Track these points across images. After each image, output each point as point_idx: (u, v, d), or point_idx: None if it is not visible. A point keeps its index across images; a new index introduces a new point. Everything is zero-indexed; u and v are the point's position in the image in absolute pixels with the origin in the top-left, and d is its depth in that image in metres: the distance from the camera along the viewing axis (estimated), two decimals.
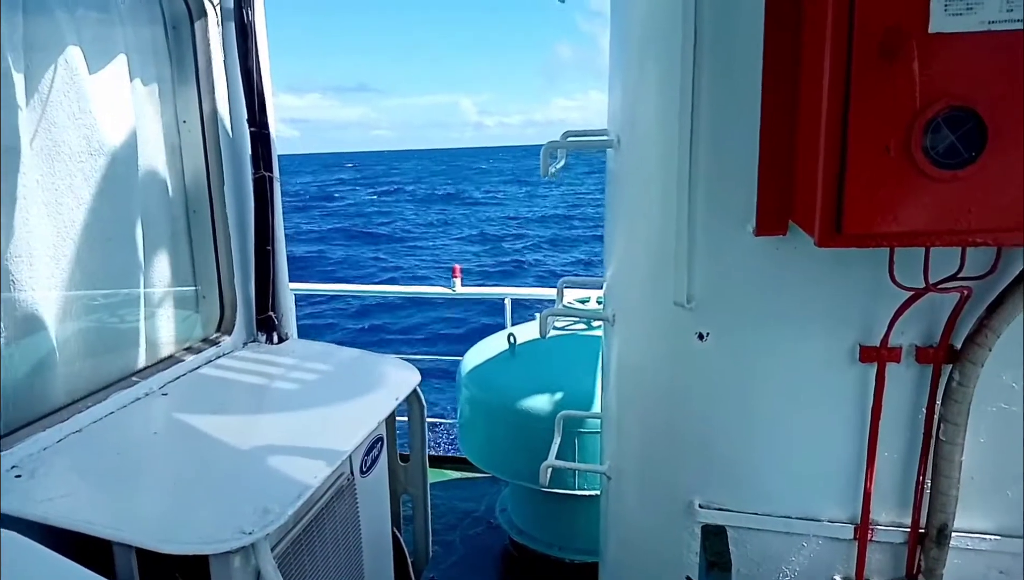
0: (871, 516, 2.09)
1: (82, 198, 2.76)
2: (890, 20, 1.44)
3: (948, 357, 1.95)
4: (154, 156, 3.19)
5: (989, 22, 1.42)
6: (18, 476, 2.29)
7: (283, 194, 3.68)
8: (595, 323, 4.34)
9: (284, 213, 3.68)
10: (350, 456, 2.76)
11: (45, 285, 2.62)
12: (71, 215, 2.72)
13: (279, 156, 3.58)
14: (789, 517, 2.16)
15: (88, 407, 2.66)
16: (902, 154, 1.48)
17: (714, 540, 1.80)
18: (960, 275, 1.85)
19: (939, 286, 1.86)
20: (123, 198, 2.96)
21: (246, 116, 3.37)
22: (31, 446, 2.41)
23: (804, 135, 1.73)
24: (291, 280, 3.82)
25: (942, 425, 1.96)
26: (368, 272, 30.34)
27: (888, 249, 1.84)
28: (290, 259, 3.74)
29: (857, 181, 1.52)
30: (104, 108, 2.83)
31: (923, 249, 1.83)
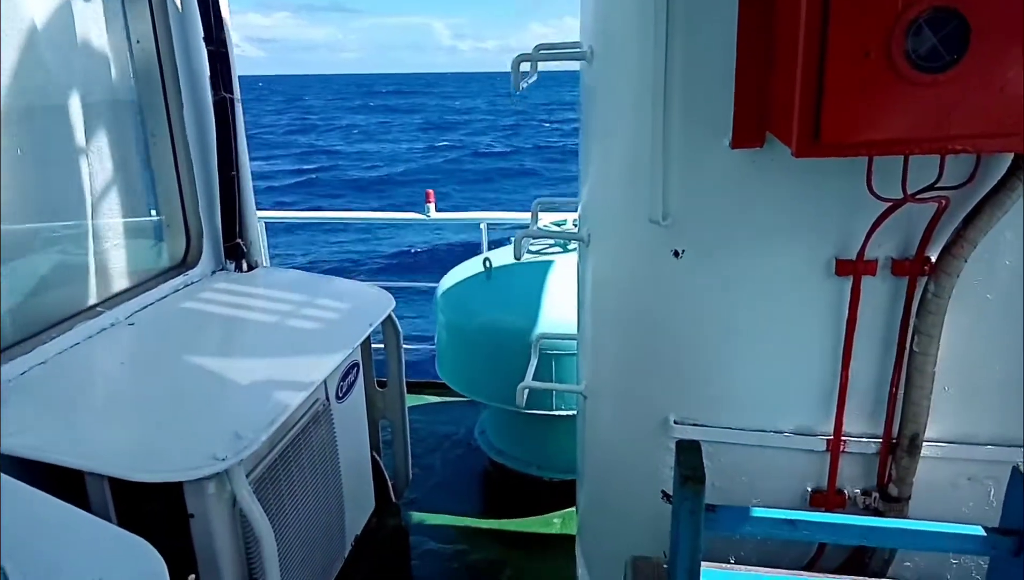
0: (844, 428, 2.11)
1: (31, 127, 2.64)
2: None
3: (924, 269, 1.94)
4: (103, 79, 3.04)
5: None
6: None
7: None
8: (571, 245, 4.29)
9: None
10: (325, 382, 2.74)
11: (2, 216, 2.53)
12: (16, 142, 2.60)
13: (242, 76, 3.43)
14: (763, 430, 2.17)
15: (52, 338, 2.60)
16: (883, 58, 1.43)
17: (688, 454, 1.79)
18: (938, 185, 1.82)
19: (917, 196, 1.83)
20: (70, 125, 2.83)
21: (202, 34, 3.21)
22: None
23: (782, 42, 1.66)
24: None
25: (916, 336, 1.96)
26: None
27: (866, 159, 1.80)
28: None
29: (836, 88, 1.47)
30: (47, 30, 2.68)
31: (902, 158, 1.79)
